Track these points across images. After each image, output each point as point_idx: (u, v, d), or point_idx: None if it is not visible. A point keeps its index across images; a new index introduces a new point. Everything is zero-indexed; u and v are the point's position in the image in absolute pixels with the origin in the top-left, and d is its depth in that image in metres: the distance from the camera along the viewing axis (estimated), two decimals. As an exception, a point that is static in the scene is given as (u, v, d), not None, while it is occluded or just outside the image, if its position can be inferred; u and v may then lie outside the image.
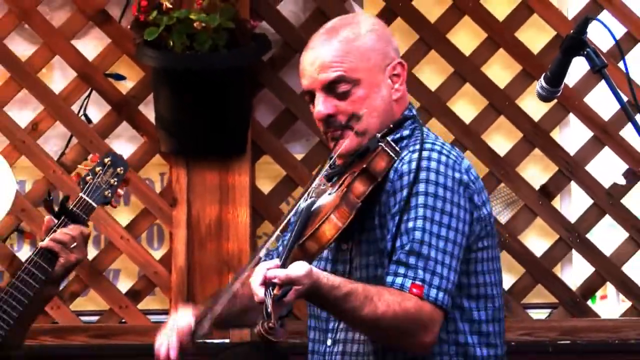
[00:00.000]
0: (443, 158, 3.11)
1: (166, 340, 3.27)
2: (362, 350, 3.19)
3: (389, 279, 3.01)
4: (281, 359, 4.64)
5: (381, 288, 2.99)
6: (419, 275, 3.00)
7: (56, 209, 3.80)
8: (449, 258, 3.05)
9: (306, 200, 3.07)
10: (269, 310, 2.76)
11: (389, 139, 3.14)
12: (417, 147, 3.12)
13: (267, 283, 2.80)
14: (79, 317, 4.95)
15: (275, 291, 2.79)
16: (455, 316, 3.15)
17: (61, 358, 4.77)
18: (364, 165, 3.06)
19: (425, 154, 3.10)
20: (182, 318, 3.31)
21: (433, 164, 3.09)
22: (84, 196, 3.79)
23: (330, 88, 3.17)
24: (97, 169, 3.84)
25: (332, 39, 3.21)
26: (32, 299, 3.75)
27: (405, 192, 3.06)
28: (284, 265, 2.85)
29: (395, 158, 3.10)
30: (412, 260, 3.02)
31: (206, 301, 3.51)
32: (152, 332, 4.78)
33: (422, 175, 3.07)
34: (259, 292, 2.80)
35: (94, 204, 3.79)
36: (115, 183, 3.85)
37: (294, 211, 3.10)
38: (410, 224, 3.04)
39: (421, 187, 3.06)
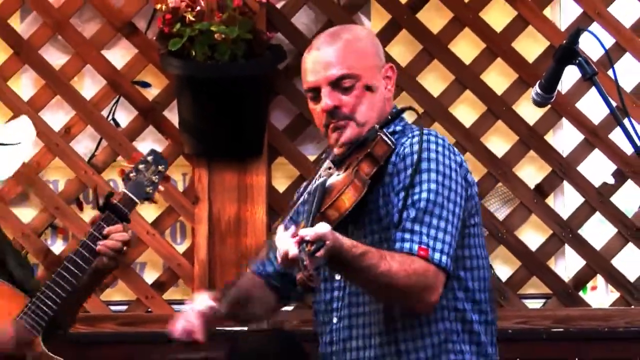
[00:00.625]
0: (440, 142, 3.24)
1: (188, 323, 3.30)
2: (368, 321, 3.27)
3: (397, 245, 3.12)
4: (295, 346, 4.66)
5: (391, 251, 3.09)
6: (424, 240, 3.11)
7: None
8: (450, 227, 3.16)
9: (318, 179, 3.17)
10: (304, 262, 2.85)
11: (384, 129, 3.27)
12: (416, 134, 3.24)
13: (299, 241, 2.87)
14: (108, 306, 4.97)
15: (307, 248, 2.87)
16: (454, 285, 3.25)
17: (92, 344, 4.77)
18: (368, 150, 3.18)
19: (424, 138, 3.21)
20: (201, 302, 3.35)
21: (433, 146, 3.22)
22: (127, 192, 3.78)
23: (335, 83, 3.27)
24: (140, 166, 3.82)
25: (335, 41, 3.32)
26: (75, 287, 3.77)
27: (409, 171, 3.18)
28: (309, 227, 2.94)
29: (392, 146, 3.22)
30: (417, 227, 3.12)
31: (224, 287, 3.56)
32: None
33: (425, 155, 3.19)
34: (293, 249, 2.88)
35: (136, 199, 3.78)
36: (156, 180, 3.83)
37: (306, 194, 3.24)
38: (416, 197, 3.15)
39: (424, 165, 3.18)
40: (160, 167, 3.84)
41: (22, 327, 3.66)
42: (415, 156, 3.19)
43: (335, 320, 3.33)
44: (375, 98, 3.31)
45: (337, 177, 3.16)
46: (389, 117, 3.33)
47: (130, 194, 3.77)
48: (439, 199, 3.17)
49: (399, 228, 3.14)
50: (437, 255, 3.11)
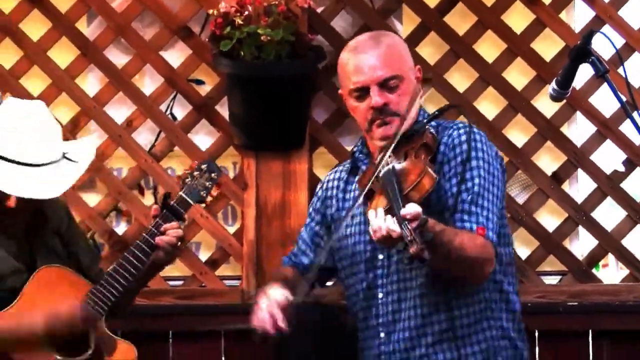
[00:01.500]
0: (482, 135, 3.36)
1: (269, 315, 3.32)
2: (416, 293, 3.31)
3: (458, 224, 3.22)
4: (334, 317, 4.66)
5: (459, 229, 3.19)
6: (480, 220, 3.22)
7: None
8: (496, 209, 3.27)
9: (383, 168, 3.18)
10: (410, 238, 2.90)
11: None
12: (461, 126, 3.34)
13: (400, 221, 2.92)
14: (166, 281, 4.98)
15: (411, 225, 2.91)
16: (496, 267, 3.30)
17: (152, 315, 4.78)
18: (424, 141, 3.26)
19: (474, 130, 3.31)
20: (277, 293, 3.37)
21: (478, 138, 3.32)
22: (183, 195, 3.82)
23: (383, 84, 3.31)
24: (195, 173, 3.86)
25: (378, 45, 3.37)
26: (135, 278, 3.79)
27: (459, 160, 3.27)
28: (402, 208, 2.97)
29: (438, 138, 3.29)
30: (474, 209, 3.22)
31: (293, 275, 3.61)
32: (227, 294, 4.90)
33: (473, 145, 3.28)
34: (394, 228, 2.94)
35: (190, 201, 3.82)
36: (210, 186, 3.87)
37: (371, 178, 3.22)
38: (469, 184, 3.24)
39: (474, 155, 3.27)
40: (213, 175, 3.88)
41: (89, 309, 3.68)
42: (464, 146, 3.27)
43: (381, 295, 3.36)
44: (414, 96, 3.35)
45: (402, 164, 3.19)
46: (436, 112, 3.37)
47: (185, 197, 3.81)
48: (487, 185, 3.26)
49: (457, 210, 3.23)
50: (490, 234, 3.21)
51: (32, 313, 3.60)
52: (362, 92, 3.33)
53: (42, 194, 3.61)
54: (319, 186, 3.67)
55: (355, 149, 3.54)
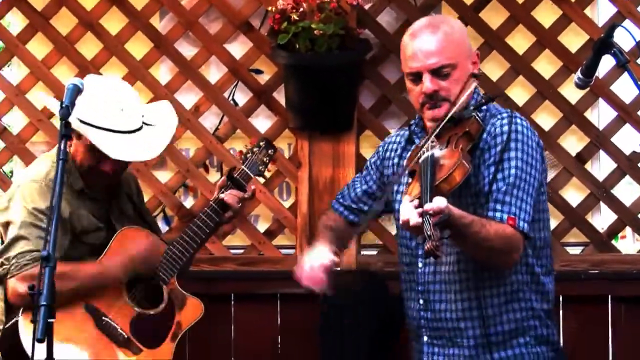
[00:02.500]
0: (525, 124, 3.25)
1: (314, 274, 3.32)
2: (451, 269, 3.28)
3: (490, 213, 3.13)
4: (379, 284, 4.66)
5: (487, 219, 3.10)
6: (512, 210, 3.12)
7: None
8: (530, 199, 3.16)
9: (425, 152, 3.12)
10: (429, 233, 2.83)
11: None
12: (505, 116, 3.24)
13: (422, 213, 2.85)
14: (229, 250, 5.01)
15: (432, 219, 2.84)
16: (527, 249, 3.25)
17: (215, 280, 4.82)
18: (466, 129, 3.16)
19: (513, 121, 3.21)
20: (324, 256, 3.36)
21: (520, 128, 3.21)
22: (245, 168, 3.92)
23: (435, 71, 3.24)
24: (255, 149, 3.98)
25: (435, 32, 3.27)
26: (203, 240, 3.83)
27: (499, 148, 3.17)
28: (428, 201, 2.90)
29: (483, 126, 3.20)
30: (507, 198, 3.13)
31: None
32: (283, 261, 4.93)
33: (513, 136, 3.18)
34: (416, 218, 2.87)
35: (251, 174, 3.93)
36: (267, 161, 3.99)
37: (416, 158, 3.17)
38: (506, 172, 3.15)
39: (512, 145, 3.18)
40: (270, 152, 3.99)
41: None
42: (505, 136, 3.18)
43: (420, 265, 3.34)
44: (467, 82, 3.27)
45: (441, 151, 3.11)
46: (483, 99, 3.30)
47: (247, 170, 3.91)
48: (523, 174, 3.16)
49: (491, 198, 3.14)
50: (521, 223, 3.12)
51: (107, 262, 3.68)
52: (416, 77, 3.27)
53: (142, 157, 3.76)
54: (380, 145, 3.64)
55: (412, 122, 3.50)
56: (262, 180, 4.71)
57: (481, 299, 3.25)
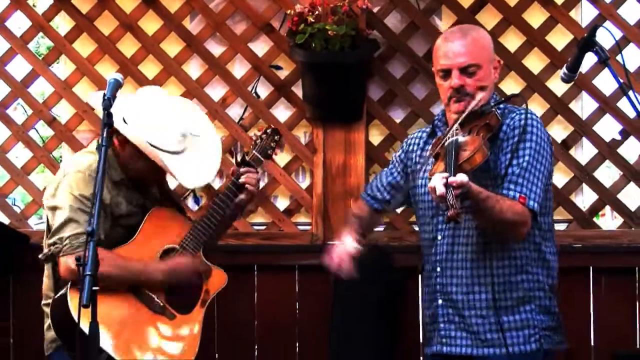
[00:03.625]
0: (538, 120, 3.34)
1: (341, 260, 3.48)
2: (467, 241, 3.36)
3: (504, 191, 3.21)
4: (386, 256, 4.66)
5: (502, 197, 3.18)
6: (523, 190, 3.21)
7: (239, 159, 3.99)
8: (540, 183, 3.25)
9: (450, 137, 3.17)
10: (451, 202, 2.90)
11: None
12: (522, 112, 3.33)
13: (447, 185, 2.92)
14: (252, 226, 5.02)
15: (455, 191, 2.92)
16: (534, 230, 3.32)
17: (240, 253, 4.81)
18: (487, 121, 3.25)
19: (529, 117, 3.29)
20: (350, 244, 3.53)
21: (534, 123, 3.30)
22: (256, 153, 3.92)
23: (463, 69, 3.32)
24: (263, 135, 3.97)
25: (465, 36, 3.37)
26: (224, 216, 3.83)
27: (516, 139, 3.25)
28: (452, 176, 2.97)
29: (500, 120, 3.28)
30: (520, 180, 3.21)
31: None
32: (300, 236, 4.94)
33: (528, 129, 3.27)
34: (441, 188, 2.93)
35: (261, 157, 3.93)
36: (274, 145, 3.98)
37: (440, 144, 3.24)
38: (521, 159, 3.23)
39: (527, 137, 3.27)
40: (276, 138, 3.99)
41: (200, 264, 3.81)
42: (522, 129, 3.26)
43: (439, 237, 3.41)
44: (488, 82, 3.36)
45: (464, 138, 3.17)
46: (502, 98, 3.38)
47: (258, 155, 3.92)
48: (535, 162, 3.25)
49: (506, 180, 3.22)
50: (530, 202, 3.20)
51: (154, 261, 3.68)
52: (446, 73, 3.35)
53: (200, 182, 3.85)
54: (404, 141, 3.72)
55: (436, 118, 3.57)
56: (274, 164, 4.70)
57: (493, 269, 3.31)
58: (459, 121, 3.25)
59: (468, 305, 3.34)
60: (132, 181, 3.75)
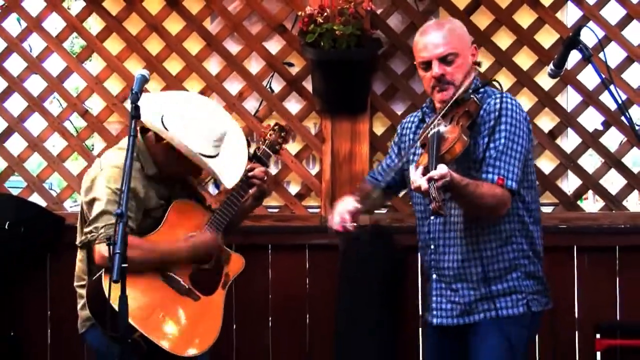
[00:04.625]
0: (514, 102, 3.27)
1: (342, 217, 3.40)
2: (457, 220, 3.35)
3: (483, 175, 3.18)
4: (388, 236, 4.65)
5: (480, 181, 3.15)
6: (501, 172, 3.17)
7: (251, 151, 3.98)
8: (518, 162, 3.20)
9: (433, 128, 3.15)
10: (433, 195, 2.87)
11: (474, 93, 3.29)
12: (498, 96, 3.27)
13: (429, 179, 2.89)
14: (267, 209, 5.01)
15: (437, 184, 2.88)
16: (517, 199, 3.30)
17: (256, 233, 4.80)
18: (466, 109, 3.20)
19: (506, 99, 3.24)
20: (349, 203, 3.44)
21: (509, 106, 3.24)
22: (265, 148, 3.95)
23: (442, 59, 3.28)
24: (271, 132, 3.99)
25: (442, 28, 3.33)
26: (238, 207, 3.84)
27: (492, 122, 3.21)
28: (434, 169, 2.95)
29: (480, 104, 3.23)
30: (497, 163, 3.18)
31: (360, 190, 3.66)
32: (310, 218, 4.93)
33: (503, 112, 3.22)
34: (424, 184, 2.90)
35: (270, 152, 3.95)
36: (281, 141, 4.00)
37: (424, 133, 3.24)
38: (497, 142, 3.19)
39: (503, 120, 3.22)
40: (283, 134, 4.01)
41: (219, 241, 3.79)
42: (497, 113, 3.21)
43: (432, 218, 3.40)
44: (466, 68, 3.31)
45: (445, 128, 3.13)
46: (479, 84, 3.33)
47: (267, 150, 3.94)
48: (511, 143, 3.20)
49: (484, 163, 3.18)
50: (509, 182, 3.17)
51: (179, 241, 3.67)
52: (427, 65, 3.32)
53: (237, 179, 3.80)
54: (399, 126, 3.70)
55: (424, 105, 3.54)
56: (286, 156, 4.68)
57: (480, 244, 3.31)
58: (441, 113, 3.23)
59: (460, 278, 3.34)
60: (163, 176, 3.75)
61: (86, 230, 3.57)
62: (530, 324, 3.35)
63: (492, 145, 3.19)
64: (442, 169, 2.92)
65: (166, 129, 3.61)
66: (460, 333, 3.36)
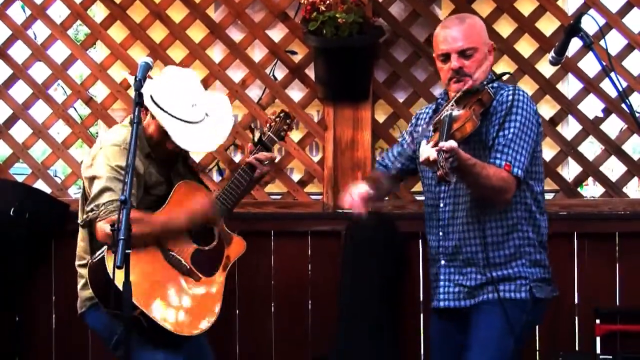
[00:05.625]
0: (525, 95, 3.36)
1: (354, 200, 3.46)
2: (465, 207, 3.41)
3: (492, 160, 3.26)
4: (390, 222, 4.66)
5: (489, 164, 3.23)
6: (508, 159, 3.25)
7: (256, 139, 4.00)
8: (525, 152, 3.28)
9: (447, 112, 3.21)
10: (442, 164, 2.93)
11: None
12: (511, 88, 3.35)
13: (438, 150, 2.96)
14: (269, 195, 5.02)
15: (445, 155, 2.94)
16: (524, 188, 3.38)
17: (259, 219, 4.82)
18: (479, 97, 3.28)
19: (518, 91, 3.34)
20: (362, 188, 3.51)
21: (521, 98, 3.33)
22: (270, 134, 3.97)
23: (461, 52, 3.37)
24: (276, 119, 4.01)
25: (462, 23, 3.41)
26: (242, 189, 3.86)
27: (503, 113, 3.29)
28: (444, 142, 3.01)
29: (493, 96, 3.30)
30: (505, 150, 3.25)
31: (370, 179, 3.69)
32: (312, 205, 4.95)
33: (515, 104, 3.30)
34: (433, 154, 2.96)
35: (275, 138, 3.98)
36: (286, 128, 4.03)
37: (437, 118, 3.31)
38: (506, 131, 3.27)
39: (514, 110, 3.30)
40: (288, 121, 4.05)
41: (214, 204, 3.79)
42: (509, 104, 3.30)
43: (442, 205, 3.48)
44: (484, 63, 3.40)
45: (458, 112, 3.22)
46: (493, 77, 3.42)
47: (272, 135, 3.97)
48: (520, 133, 3.28)
49: (494, 149, 3.27)
50: (515, 169, 3.24)
51: (177, 211, 3.68)
52: (446, 57, 3.40)
53: (204, 148, 3.88)
54: (414, 116, 3.78)
55: (439, 97, 3.63)
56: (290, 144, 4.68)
57: (487, 230, 3.37)
58: (455, 98, 3.30)
59: (467, 263, 3.41)
60: (157, 154, 3.76)
61: (88, 208, 3.58)
62: (532, 310, 3.40)
63: (501, 133, 3.27)
64: (451, 142, 3.00)
65: (153, 100, 3.62)
66: (464, 316, 3.43)
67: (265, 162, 3.91)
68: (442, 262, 3.48)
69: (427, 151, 3.00)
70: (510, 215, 3.37)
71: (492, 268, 3.36)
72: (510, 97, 3.31)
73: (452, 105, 3.27)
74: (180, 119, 3.63)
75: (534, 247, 3.42)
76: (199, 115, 3.70)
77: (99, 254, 3.52)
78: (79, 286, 3.73)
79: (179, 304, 3.62)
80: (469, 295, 3.41)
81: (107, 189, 3.54)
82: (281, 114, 4.01)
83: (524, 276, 3.38)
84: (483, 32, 3.45)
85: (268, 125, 4.01)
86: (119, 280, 2.90)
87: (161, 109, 3.60)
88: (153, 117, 3.66)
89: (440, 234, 3.48)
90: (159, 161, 3.76)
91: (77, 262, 3.75)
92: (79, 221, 3.70)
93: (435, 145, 3.01)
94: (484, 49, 3.41)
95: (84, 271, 3.66)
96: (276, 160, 4.18)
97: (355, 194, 3.45)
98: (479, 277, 3.39)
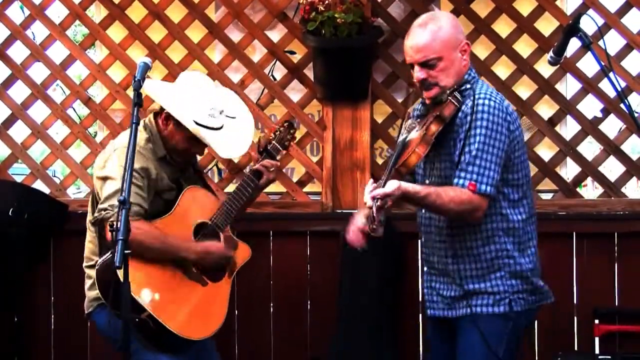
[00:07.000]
0: (491, 103, 3.16)
1: (354, 234, 3.22)
2: (436, 217, 3.30)
3: (455, 180, 3.12)
4: (387, 222, 4.64)
5: (448, 187, 3.11)
6: (473, 177, 3.10)
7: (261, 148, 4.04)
8: (493, 164, 3.12)
9: (401, 135, 3.16)
10: (374, 214, 2.87)
11: (456, 92, 3.19)
12: (476, 97, 3.17)
13: (373, 197, 2.90)
14: (268, 196, 5.00)
15: (378, 203, 2.87)
16: (500, 198, 3.23)
17: (258, 219, 4.80)
18: (437, 113, 3.14)
19: (479, 102, 3.15)
20: (359, 219, 3.27)
21: (485, 108, 3.15)
22: (275, 143, 4.00)
23: (423, 63, 3.22)
24: (281, 128, 4.04)
25: (424, 31, 3.24)
26: (248, 196, 3.89)
27: (467, 126, 3.13)
28: (385, 183, 2.96)
29: (458, 105, 3.15)
30: (469, 168, 3.10)
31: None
32: (311, 205, 4.93)
33: (475, 116, 3.13)
34: (369, 202, 2.92)
35: (280, 147, 4.01)
36: (290, 137, 4.07)
37: (399, 140, 3.21)
38: (471, 147, 3.11)
39: (476, 124, 3.13)
40: (291, 131, 4.07)
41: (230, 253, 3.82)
42: (471, 117, 3.14)
43: (424, 211, 3.36)
44: (452, 70, 3.23)
45: (414, 134, 3.13)
46: (470, 78, 3.26)
47: (277, 145, 4.00)
48: (485, 147, 3.12)
49: (458, 168, 3.13)
50: (482, 187, 3.10)
51: (191, 241, 3.69)
52: (412, 66, 3.28)
53: (238, 152, 3.86)
54: (409, 110, 3.65)
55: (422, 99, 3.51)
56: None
57: (461, 242, 3.26)
58: (411, 119, 3.25)
59: (444, 273, 3.31)
60: (172, 158, 3.76)
61: (100, 207, 3.57)
62: (515, 322, 3.25)
63: (466, 149, 3.12)
64: (389, 186, 2.92)
65: (171, 105, 3.66)
66: (451, 325, 3.34)
67: (271, 169, 3.93)
68: (425, 268, 3.40)
69: (365, 196, 2.95)
70: (484, 227, 3.22)
71: (467, 280, 3.24)
72: (470, 109, 3.14)
73: (413, 124, 3.20)
74: (212, 128, 3.67)
75: (513, 258, 3.24)
76: (222, 119, 3.73)
77: (108, 255, 3.52)
78: (86, 286, 3.74)
79: (187, 309, 3.62)
80: (449, 306, 3.30)
81: (120, 191, 3.53)
82: (285, 124, 4.06)
83: (502, 290, 3.22)
84: (449, 36, 3.22)
85: (273, 134, 4.03)
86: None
87: (199, 124, 3.64)
88: (178, 124, 3.66)
89: (422, 239, 3.39)
90: (171, 165, 3.76)
91: (84, 264, 3.77)
92: (90, 219, 3.70)
93: (374, 189, 2.94)
94: (452, 54, 3.22)
95: (91, 272, 3.67)
96: (281, 167, 4.20)
97: (354, 228, 3.22)
98: (455, 288, 3.27)
